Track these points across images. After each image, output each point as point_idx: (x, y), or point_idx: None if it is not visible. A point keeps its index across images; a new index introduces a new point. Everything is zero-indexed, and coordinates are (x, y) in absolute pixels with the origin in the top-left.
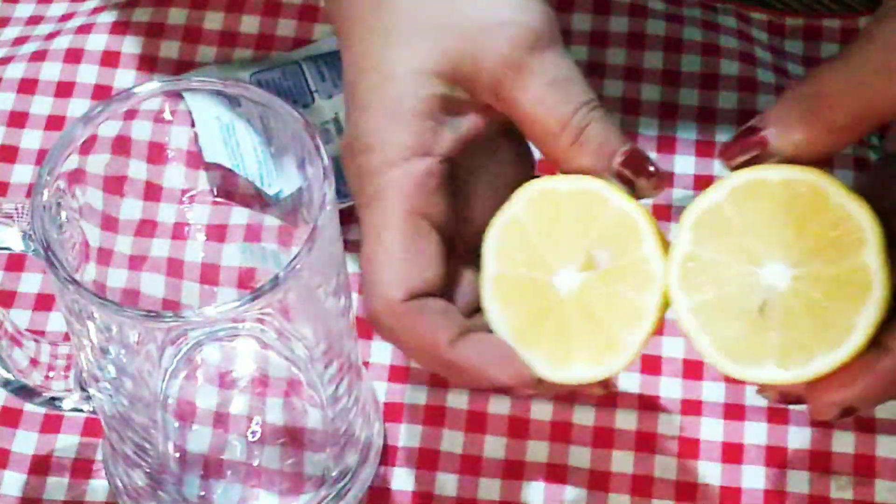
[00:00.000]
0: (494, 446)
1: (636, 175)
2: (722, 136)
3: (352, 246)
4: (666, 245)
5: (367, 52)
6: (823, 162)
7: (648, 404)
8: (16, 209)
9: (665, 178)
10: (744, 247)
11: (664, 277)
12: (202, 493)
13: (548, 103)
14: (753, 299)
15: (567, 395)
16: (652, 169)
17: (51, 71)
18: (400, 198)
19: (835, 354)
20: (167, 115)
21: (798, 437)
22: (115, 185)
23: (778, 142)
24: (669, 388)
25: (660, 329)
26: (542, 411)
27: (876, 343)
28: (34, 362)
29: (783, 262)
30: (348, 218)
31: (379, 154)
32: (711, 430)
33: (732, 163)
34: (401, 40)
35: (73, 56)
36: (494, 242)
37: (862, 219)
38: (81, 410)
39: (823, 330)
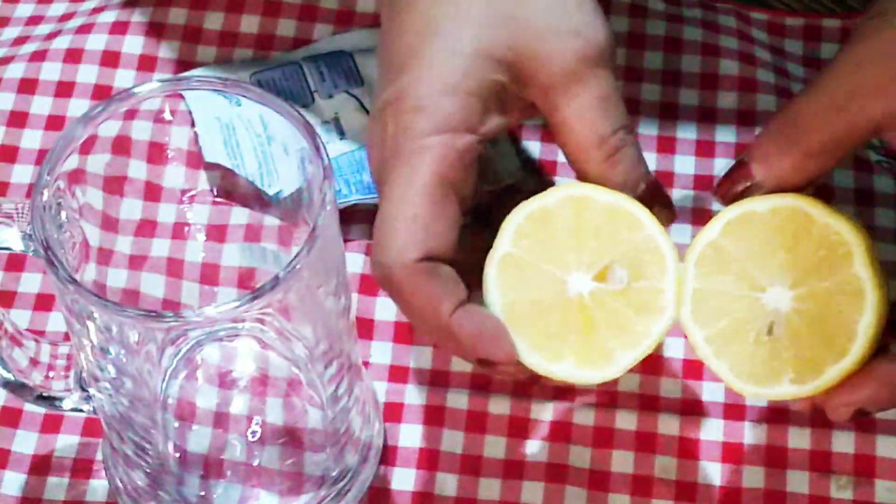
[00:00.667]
0: (494, 446)
1: (654, 202)
2: (722, 136)
3: (352, 246)
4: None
5: (435, 18)
6: (813, 184)
7: (648, 404)
8: (16, 209)
9: (676, 213)
10: (745, 276)
11: (675, 310)
12: (202, 493)
13: (592, 117)
14: (761, 323)
15: (566, 393)
16: (666, 197)
17: (51, 71)
18: (437, 162)
19: (843, 363)
20: (167, 115)
21: (798, 437)
22: (115, 185)
23: (762, 174)
24: (669, 388)
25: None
26: (542, 411)
27: (884, 348)
28: (34, 362)
29: (782, 284)
30: (348, 218)
31: (429, 117)
32: (711, 430)
33: (726, 198)
34: (472, 18)
35: (73, 56)
36: (517, 224)
37: (847, 233)
38: (81, 410)
39: (828, 342)
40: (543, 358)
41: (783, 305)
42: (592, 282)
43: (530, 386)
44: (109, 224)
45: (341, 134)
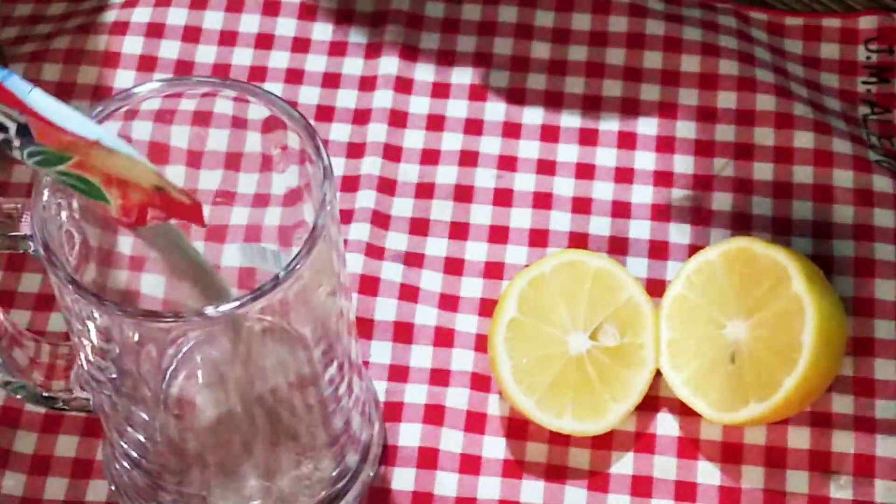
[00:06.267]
0: (494, 446)
1: None
2: (722, 136)
3: (352, 246)
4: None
5: None
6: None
7: (648, 405)
8: (16, 209)
9: None
10: (708, 318)
11: (655, 362)
12: (202, 493)
13: None
14: (725, 355)
15: None
16: None
17: (51, 71)
18: None
19: (795, 373)
20: (167, 115)
21: (798, 437)
22: None
23: None
24: (669, 389)
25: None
26: None
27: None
28: (34, 362)
29: (738, 318)
30: (348, 218)
31: None
32: (711, 430)
33: None
34: None
35: (73, 56)
36: (520, 291)
37: (783, 259)
38: (81, 410)
39: (782, 357)
40: (549, 414)
41: (741, 335)
42: (589, 340)
43: None
44: (109, 224)
45: None
